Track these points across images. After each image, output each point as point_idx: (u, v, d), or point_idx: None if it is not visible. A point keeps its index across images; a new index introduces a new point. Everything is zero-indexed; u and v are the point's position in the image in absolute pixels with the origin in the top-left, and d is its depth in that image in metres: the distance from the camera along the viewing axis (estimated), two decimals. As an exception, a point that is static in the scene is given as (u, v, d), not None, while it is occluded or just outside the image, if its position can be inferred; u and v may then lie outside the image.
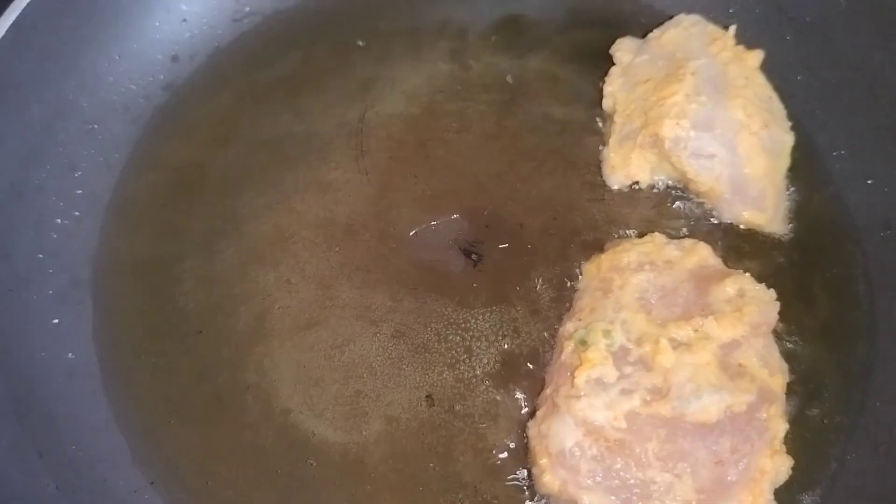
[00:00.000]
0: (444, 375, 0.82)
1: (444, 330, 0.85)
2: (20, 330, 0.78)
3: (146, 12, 0.97)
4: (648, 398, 0.75)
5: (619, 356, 0.77)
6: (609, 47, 1.01)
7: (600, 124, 0.97)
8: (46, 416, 0.75)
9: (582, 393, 0.75)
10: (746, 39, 0.97)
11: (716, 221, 0.91)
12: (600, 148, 0.95)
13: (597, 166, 0.94)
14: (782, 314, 0.81)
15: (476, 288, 0.87)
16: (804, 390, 0.81)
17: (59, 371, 0.79)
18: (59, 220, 0.87)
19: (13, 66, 0.82)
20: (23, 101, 0.85)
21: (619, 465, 0.73)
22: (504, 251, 0.89)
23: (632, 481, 0.73)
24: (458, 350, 0.84)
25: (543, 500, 0.77)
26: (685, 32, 0.97)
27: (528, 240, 0.90)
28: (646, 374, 0.76)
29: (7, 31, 0.81)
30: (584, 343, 0.78)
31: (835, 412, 0.81)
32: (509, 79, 1.00)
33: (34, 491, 0.66)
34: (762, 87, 0.93)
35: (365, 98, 0.99)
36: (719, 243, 0.88)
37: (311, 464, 0.78)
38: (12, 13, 0.82)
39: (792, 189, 0.92)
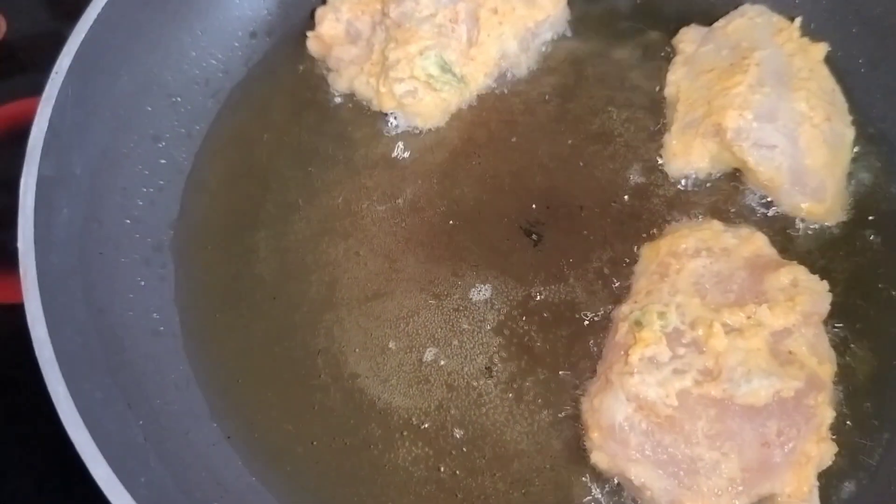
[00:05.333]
0: (503, 349, 0.86)
1: (504, 306, 0.88)
2: (112, 290, 0.84)
3: (227, -10, 1.01)
4: (700, 379, 0.78)
5: (673, 338, 0.81)
6: (674, 33, 1.03)
7: (663, 111, 1.00)
8: (135, 372, 0.81)
9: (635, 370, 0.79)
10: (812, 31, 0.98)
11: (773, 211, 0.92)
12: (662, 134, 0.97)
13: (657, 152, 0.96)
14: (835, 304, 0.84)
15: (535, 267, 0.91)
16: (852, 380, 0.83)
17: (145, 330, 0.85)
18: (144, 189, 0.92)
19: (107, 41, 0.87)
20: (114, 75, 0.90)
21: (668, 441, 0.77)
22: (563, 232, 0.93)
23: (679, 457, 0.77)
24: (517, 326, 0.87)
25: (595, 472, 0.81)
26: (750, 23, 0.98)
27: (587, 222, 0.93)
28: (698, 356, 0.79)
29: (102, 8, 0.85)
30: (638, 324, 0.82)
31: (881, 403, 0.83)
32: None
33: (125, 440, 0.72)
34: (826, 80, 0.94)
35: (433, 78, 1.03)
36: (775, 232, 0.90)
37: (375, 426, 0.83)
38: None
39: (852, 181, 0.94)
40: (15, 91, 1.23)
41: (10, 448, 0.94)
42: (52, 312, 0.71)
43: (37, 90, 1.19)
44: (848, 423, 0.82)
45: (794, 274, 0.83)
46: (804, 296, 0.81)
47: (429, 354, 0.86)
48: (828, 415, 0.78)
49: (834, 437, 0.79)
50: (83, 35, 0.84)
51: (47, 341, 0.69)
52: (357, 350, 0.87)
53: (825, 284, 0.83)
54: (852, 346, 0.85)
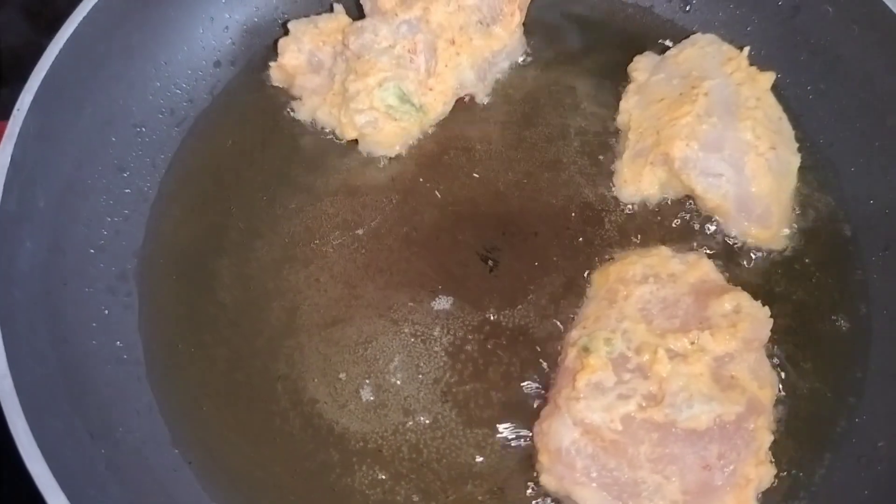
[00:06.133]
0: (458, 373, 0.89)
1: (460, 331, 0.91)
2: (75, 320, 0.86)
3: (191, 21, 1.03)
4: (644, 404, 0.81)
5: (619, 363, 0.83)
6: (629, 61, 1.06)
7: (616, 139, 1.02)
8: (97, 401, 0.83)
9: (581, 395, 0.81)
10: (762, 58, 1.02)
11: (722, 236, 0.95)
12: (614, 162, 1.00)
13: (611, 179, 0.99)
14: (778, 328, 0.87)
15: (490, 292, 0.93)
16: (794, 403, 0.87)
17: (108, 358, 0.87)
18: (108, 218, 0.94)
19: (71, 73, 0.89)
20: (78, 106, 0.91)
21: (612, 465, 0.80)
22: (518, 258, 0.95)
23: (624, 480, 0.80)
24: (472, 349, 0.90)
25: (547, 497, 0.84)
26: (701, 52, 1.01)
27: (541, 248, 0.96)
28: (643, 381, 0.82)
29: (66, 41, 0.88)
30: (586, 350, 0.84)
31: (822, 425, 0.86)
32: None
33: (85, 470, 0.74)
34: (772, 109, 0.97)
35: (394, 107, 1.05)
36: (724, 257, 0.94)
37: (333, 451, 0.86)
38: (70, 25, 0.88)
39: (798, 207, 0.97)
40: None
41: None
42: (12, 345, 0.73)
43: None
44: (789, 444, 0.85)
45: (738, 300, 0.86)
46: (746, 322, 0.84)
47: (386, 379, 0.89)
48: (767, 438, 0.81)
49: (776, 458, 0.82)
50: (45, 70, 0.86)
51: (7, 375, 0.71)
52: (316, 376, 0.89)
53: (767, 311, 0.86)
54: (794, 368, 0.88)
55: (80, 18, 0.89)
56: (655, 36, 1.10)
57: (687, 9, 1.11)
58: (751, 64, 1.00)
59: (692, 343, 0.83)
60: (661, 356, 0.82)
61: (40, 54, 1.27)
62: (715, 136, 0.93)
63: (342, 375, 0.89)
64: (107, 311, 0.90)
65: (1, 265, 0.77)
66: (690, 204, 0.97)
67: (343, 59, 1.00)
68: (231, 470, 0.85)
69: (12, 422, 0.70)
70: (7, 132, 0.82)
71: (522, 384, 0.89)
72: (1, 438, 0.71)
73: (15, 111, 0.83)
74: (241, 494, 0.84)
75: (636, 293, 0.88)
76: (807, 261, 0.95)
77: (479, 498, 0.84)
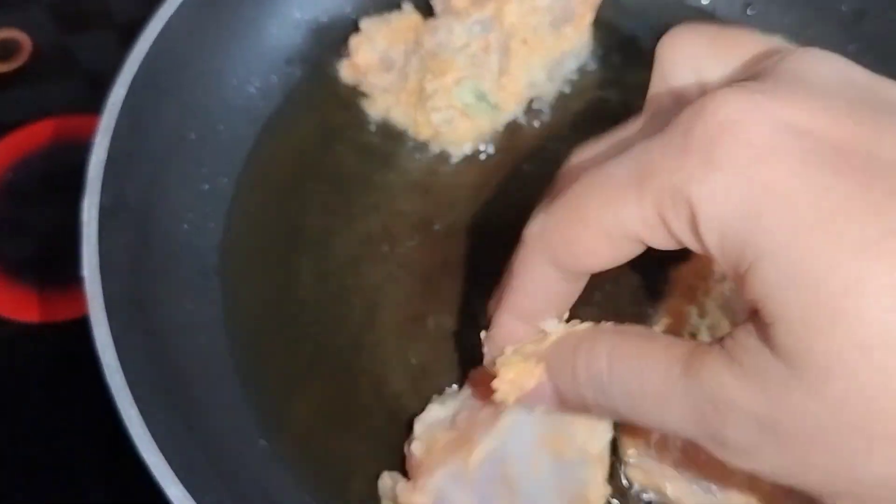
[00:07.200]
0: (539, 369, 0.90)
1: (538, 327, 0.92)
2: (164, 315, 0.86)
3: (264, 20, 1.04)
4: (730, 397, 0.82)
5: (705, 358, 0.85)
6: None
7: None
8: (189, 395, 0.83)
9: (669, 391, 0.83)
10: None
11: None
12: (685, 161, 1.02)
13: (680, 178, 1.01)
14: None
15: (567, 289, 0.95)
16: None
17: (195, 353, 0.88)
18: (190, 213, 0.95)
19: (156, 74, 0.90)
20: (160, 107, 0.92)
21: (702, 457, 0.81)
22: (593, 255, 0.97)
23: (712, 471, 0.81)
24: (551, 346, 0.91)
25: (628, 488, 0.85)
26: (768, 53, 1.03)
27: (615, 246, 0.97)
28: (728, 375, 0.84)
29: (155, 39, 0.89)
30: (672, 345, 0.86)
31: None
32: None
33: (189, 460, 0.74)
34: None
35: (463, 106, 1.06)
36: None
37: (419, 444, 0.87)
38: (158, 23, 0.90)
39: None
40: (37, 109, 1.26)
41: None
42: (119, 341, 0.74)
43: (51, 111, 1.23)
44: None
45: (816, 296, 0.88)
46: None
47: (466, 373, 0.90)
48: (850, 431, 0.82)
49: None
50: (135, 68, 0.87)
51: (119, 369, 0.72)
52: (399, 370, 0.90)
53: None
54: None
55: (167, 18, 0.90)
56: (717, 37, 1.11)
57: (748, 12, 1.13)
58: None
59: (776, 338, 0.85)
60: (746, 350, 0.84)
61: (67, 53, 1.29)
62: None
63: (424, 370, 0.90)
64: (192, 307, 0.90)
65: (102, 261, 0.78)
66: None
67: (417, 58, 1.01)
68: (320, 462, 0.86)
69: (126, 414, 0.71)
70: (103, 126, 0.83)
71: (603, 379, 0.90)
72: (107, 432, 0.72)
73: (109, 105, 0.84)
74: (331, 486, 0.85)
75: (716, 290, 0.89)
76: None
77: (565, 490, 0.85)
